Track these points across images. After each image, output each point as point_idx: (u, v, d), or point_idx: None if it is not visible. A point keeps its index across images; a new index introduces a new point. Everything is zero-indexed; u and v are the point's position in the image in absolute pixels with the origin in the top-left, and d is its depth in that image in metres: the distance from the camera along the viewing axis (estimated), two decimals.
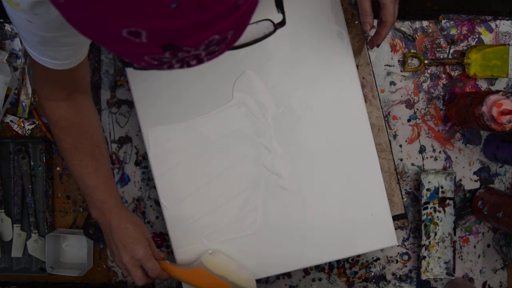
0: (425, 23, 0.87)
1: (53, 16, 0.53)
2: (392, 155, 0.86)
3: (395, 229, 0.84)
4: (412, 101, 0.88)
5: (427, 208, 0.87)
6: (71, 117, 0.70)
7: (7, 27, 0.89)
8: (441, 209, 0.88)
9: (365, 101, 0.83)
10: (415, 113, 0.88)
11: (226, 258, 0.81)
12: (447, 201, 0.88)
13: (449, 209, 0.88)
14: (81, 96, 0.72)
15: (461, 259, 0.90)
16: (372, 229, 0.82)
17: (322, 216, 0.83)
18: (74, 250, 0.91)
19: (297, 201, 0.83)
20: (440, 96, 0.88)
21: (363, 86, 0.84)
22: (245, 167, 0.83)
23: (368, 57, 0.85)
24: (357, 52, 0.85)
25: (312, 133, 0.82)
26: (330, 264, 0.90)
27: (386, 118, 0.88)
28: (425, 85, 0.88)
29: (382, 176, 0.83)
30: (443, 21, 0.87)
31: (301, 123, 0.82)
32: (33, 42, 0.58)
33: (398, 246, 0.90)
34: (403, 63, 0.88)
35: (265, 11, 0.54)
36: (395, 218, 0.86)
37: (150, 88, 0.83)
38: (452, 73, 0.88)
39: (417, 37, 0.87)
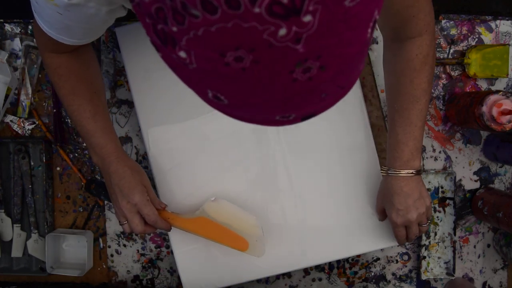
0: None
1: (83, 16, 0.54)
2: None
3: None
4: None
5: None
6: (70, 65, 0.70)
7: (7, 27, 0.89)
8: (441, 209, 0.88)
9: (365, 101, 0.83)
10: None
11: (229, 205, 0.78)
12: (447, 201, 0.88)
13: (449, 209, 0.88)
14: (83, 47, 0.72)
15: (461, 259, 0.90)
16: (373, 229, 0.82)
17: (322, 216, 0.83)
18: (74, 250, 0.91)
19: (296, 201, 0.83)
20: (440, 96, 0.88)
21: (363, 86, 0.84)
22: (244, 167, 0.83)
23: (368, 57, 0.85)
24: None
25: (312, 132, 0.82)
26: (330, 264, 0.90)
27: (386, 118, 0.88)
28: None
29: None
30: (443, 21, 0.87)
31: (300, 123, 0.82)
32: (55, 25, 0.58)
33: (398, 246, 0.90)
34: None
35: None
36: None
37: (150, 88, 0.83)
38: (452, 73, 0.88)
39: None
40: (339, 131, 0.82)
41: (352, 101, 0.82)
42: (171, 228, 0.76)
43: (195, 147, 0.83)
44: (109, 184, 0.73)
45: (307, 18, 0.28)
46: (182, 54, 0.31)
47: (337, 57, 0.31)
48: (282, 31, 0.28)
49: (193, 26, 0.29)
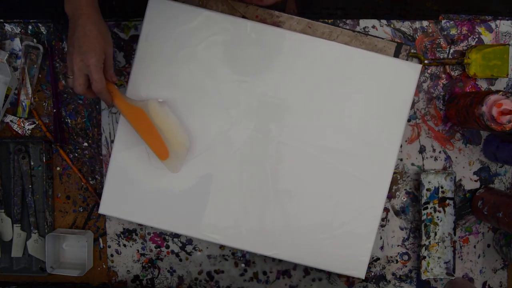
0: (425, 23, 0.87)
1: None
2: None
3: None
4: (412, 101, 0.88)
5: (427, 208, 0.87)
6: None
7: (7, 27, 0.89)
8: (441, 209, 0.88)
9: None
10: (415, 113, 0.88)
11: (171, 115, 0.78)
12: (447, 201, 0.88)
13: (449, 209, 0.88)
14: None
15: (461, 259, 0.90)
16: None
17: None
18: (74, 250, 0.91)
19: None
20: (440, 96, 0.88)
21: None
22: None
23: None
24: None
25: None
26: None
27: None
28: (425, 85, 0.88)
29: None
30: (443, 21, 0.87)
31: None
32: None
33: (398, 246, 0.90)
34: None
35: None
36: None
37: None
38: (452, 73, 0.88)
39: (417, 37, 0.87)
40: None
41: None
42: (112, 104, 0.75)
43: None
44: (71, 34, 0.69)
45: None
46: None
47: None
48: None
49: None
